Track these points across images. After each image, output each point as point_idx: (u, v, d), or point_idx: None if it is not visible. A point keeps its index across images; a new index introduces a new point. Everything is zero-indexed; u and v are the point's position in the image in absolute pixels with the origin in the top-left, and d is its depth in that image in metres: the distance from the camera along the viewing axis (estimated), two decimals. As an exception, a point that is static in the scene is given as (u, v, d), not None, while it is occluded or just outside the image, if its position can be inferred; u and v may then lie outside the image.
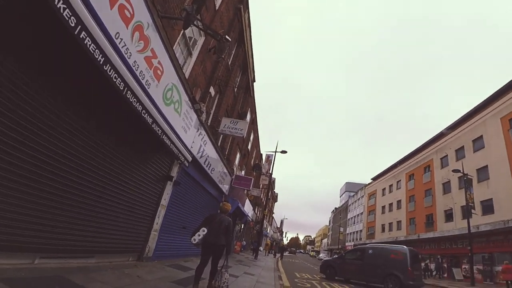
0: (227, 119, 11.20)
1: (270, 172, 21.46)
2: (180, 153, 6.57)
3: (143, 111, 4.55)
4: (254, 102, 18.61)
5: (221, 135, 13.07)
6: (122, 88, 3.93)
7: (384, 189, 45.21)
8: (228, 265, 4.77)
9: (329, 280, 12.38)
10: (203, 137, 9.24)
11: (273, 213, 69.07)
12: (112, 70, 3.68)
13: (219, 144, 12.49)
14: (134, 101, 4.26)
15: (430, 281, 19.49)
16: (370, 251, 12.10)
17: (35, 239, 3.60)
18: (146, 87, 5.11)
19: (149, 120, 4.80)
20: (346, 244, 58.97)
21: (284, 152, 21.30)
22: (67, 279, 3.26)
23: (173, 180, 7.69)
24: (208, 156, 10.05)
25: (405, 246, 11.62)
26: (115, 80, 3.77)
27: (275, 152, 21.77)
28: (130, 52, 4.50)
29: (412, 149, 40.83)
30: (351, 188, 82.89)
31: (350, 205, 63.57)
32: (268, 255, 29.76)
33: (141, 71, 4.90)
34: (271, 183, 40.49)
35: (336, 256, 17.44)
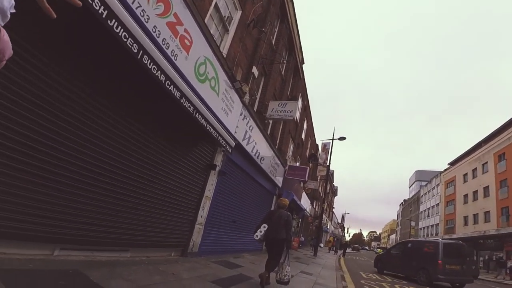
0: (274, 102, 10.28)
1: (328, 162, 19.86)
2: (220, 136, 5.88)
3: (167, 82, 3.90)
4: (305, 86, 17.27)
5: (270, 122, 12.21)
6: (136, 51, 3.31)
7: (465, 175, 39.06)
8: (289, 258, 4.82)
9: (382, 274, 12.54)
10: (248, 121, 8.50)
11: (333, 207, 65.94)
12: (119, 27, 3.07)
13: (268, 132, 11.66)
14: (154, 68, 3.62)
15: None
16: (409, 245, 12.51)
17: (56, 229, 3.21)
18: (173, 58, 4.49)
19: (177, 94, 4.15)
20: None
21: (342, 138, 19.51)
22: (82, 274, 2.76)
23: (216, 169, 7.09)
24: (256, 144, 9.29)
25: (440, 239, 11.56)
26: (125, 40, 3.15)
27: (332, 139, 20.13)
28: (147, 15, 3.89)
29: (499, 124, 34.18)
30: (423, 177, 75.69)
31: (422, 196, 57.02)
32: (330, 251, 28.19)
33: (164, 38, 4.28)
34: (329, 175, 38.31)
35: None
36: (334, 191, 60.09)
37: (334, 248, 29.81)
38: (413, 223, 55.43)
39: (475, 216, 34.72)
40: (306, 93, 17.89)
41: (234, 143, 7.04)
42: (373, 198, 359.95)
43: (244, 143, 8.34)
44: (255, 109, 9.77)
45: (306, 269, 9.26)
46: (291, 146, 16.41)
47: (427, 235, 49.47)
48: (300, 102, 16.83)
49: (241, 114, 7.92)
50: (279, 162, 12.92)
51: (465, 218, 37.16)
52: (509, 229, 26.23)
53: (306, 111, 19.25)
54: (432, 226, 48.57)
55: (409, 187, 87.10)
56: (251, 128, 8.74)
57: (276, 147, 12.80)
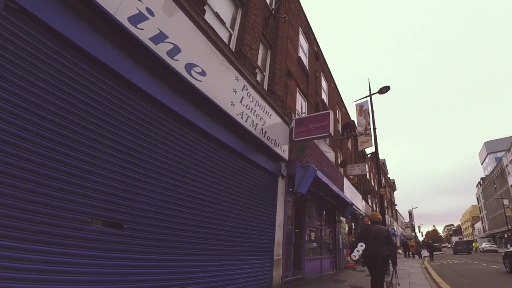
0: None
1: (372, 126, 12.81)
2: None
3: None
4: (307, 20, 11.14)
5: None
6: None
7: None
8: (398, 278, 4.72)
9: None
10: None
11: (395, 204, 55.20)
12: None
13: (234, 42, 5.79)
14: None
15: None
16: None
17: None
18: None
19: None
20: (521, 220, 40.82)
21: (385, 89, 12.55)
22: None
23: None
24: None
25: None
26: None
27: (370, 95, 13.32)
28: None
29: None
30: (496, 148, 63.73)
31: (507, 165, 44.92)
32: (413, 257, 22.19)
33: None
34: (381, 164, 29.68)
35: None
36: (391, 185, 50.20)
37: (415, 253, 23.59)
38: (505, 202, 43.20)
39: None
40: (311, 31, 11.75)
41: None
42: (435, 191, 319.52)
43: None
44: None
45: None
46: (299, 97, 9.98)
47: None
48: (303, 40, 10.73)
49: None
50: (270, 109, 6.78)
51: None
52: None
53: (319, 60, 12.98)
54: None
55: (481, 163, 73.18)
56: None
57: (268, 85, 6.80)
